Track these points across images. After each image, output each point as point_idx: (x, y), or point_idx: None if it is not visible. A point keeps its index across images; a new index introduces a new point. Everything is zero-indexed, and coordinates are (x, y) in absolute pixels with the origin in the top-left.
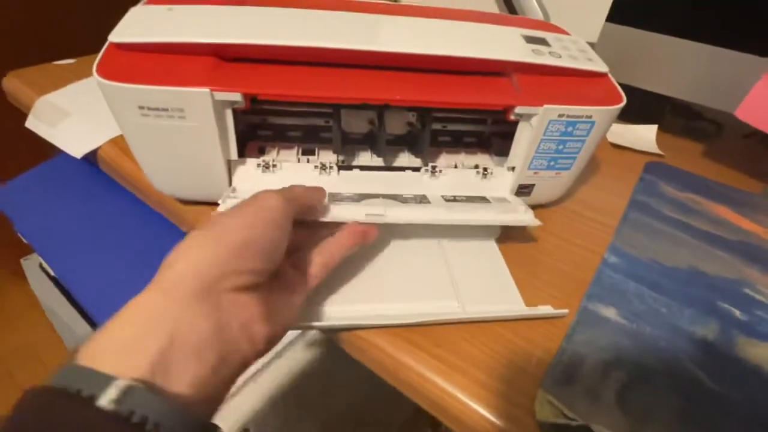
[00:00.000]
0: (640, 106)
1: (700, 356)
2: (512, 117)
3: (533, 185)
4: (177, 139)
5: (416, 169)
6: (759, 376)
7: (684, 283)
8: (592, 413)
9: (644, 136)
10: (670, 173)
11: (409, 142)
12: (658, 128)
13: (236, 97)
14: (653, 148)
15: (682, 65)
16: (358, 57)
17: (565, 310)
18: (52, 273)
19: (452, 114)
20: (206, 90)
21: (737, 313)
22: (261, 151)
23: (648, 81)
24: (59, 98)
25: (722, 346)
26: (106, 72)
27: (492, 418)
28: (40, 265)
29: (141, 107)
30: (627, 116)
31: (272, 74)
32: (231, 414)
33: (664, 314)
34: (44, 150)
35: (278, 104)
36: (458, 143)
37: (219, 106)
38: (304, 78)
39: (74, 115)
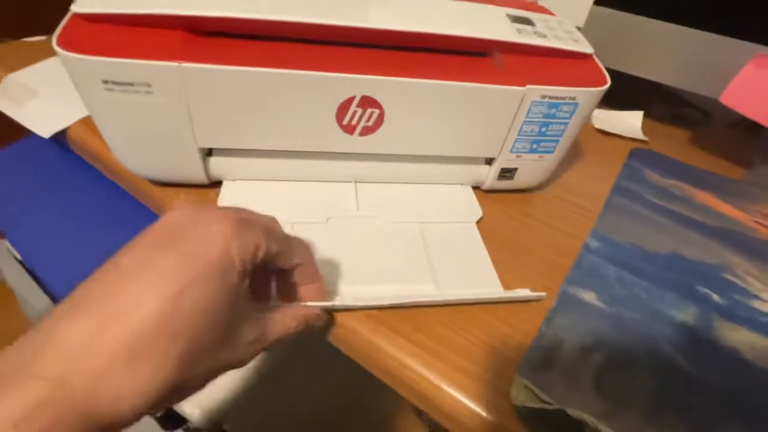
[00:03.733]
0: (627, 92)
1: (678, 340)
2: None
3: (516, 169)
4: (145, 117)
5: None
6: (735, 359)
7: (664, 268)
8: (568, 397)
9: (630, 122)
10: (655, 160)
11: None
12: (645, 115)
13: None
14: (638, 134)
15: (670, 50)
16: (337, 33)
17: (543, 293)
18: (20, 257)
19: None
20: (174, 64)
21: (716, 297)
22: None
23: (635, 66)
24: (28, 76)
25: (700, 329)
26: (68, 43)
27: (470, 404)
28: (8, 249)
29: (105, 81)
30: (613, 102)
31: (246, 50)
32: (209, 407)
33: (644, 298)
34: (12, 130)
35: None
36: None
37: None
38: (280, 54)
39: (43, 93)
